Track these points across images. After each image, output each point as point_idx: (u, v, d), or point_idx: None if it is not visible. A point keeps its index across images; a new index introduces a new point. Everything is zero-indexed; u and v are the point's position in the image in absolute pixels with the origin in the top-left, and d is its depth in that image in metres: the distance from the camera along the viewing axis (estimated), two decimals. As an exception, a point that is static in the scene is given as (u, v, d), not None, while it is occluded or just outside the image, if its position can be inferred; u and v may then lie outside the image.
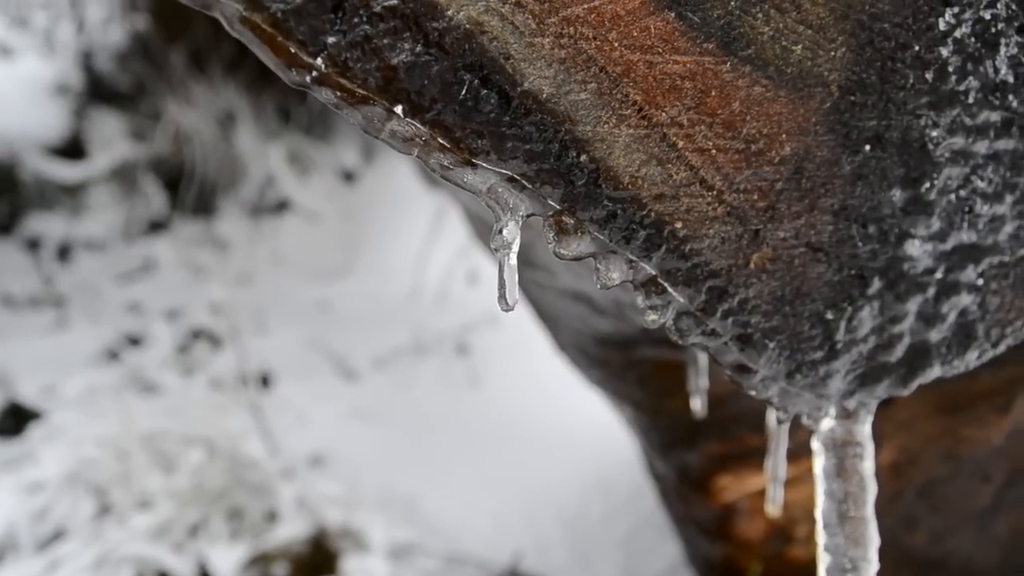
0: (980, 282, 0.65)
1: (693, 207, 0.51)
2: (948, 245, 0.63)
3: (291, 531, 1.79)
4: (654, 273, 0.51)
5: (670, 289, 0.51)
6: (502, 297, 0.45)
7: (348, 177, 3.79)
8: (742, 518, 1.26)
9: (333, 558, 1.78)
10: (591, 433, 2.04)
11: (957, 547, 1.14)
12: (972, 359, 0.67)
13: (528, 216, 0.48)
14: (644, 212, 0.49)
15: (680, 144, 0.49)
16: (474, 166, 0.47)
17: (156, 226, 3.37)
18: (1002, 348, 0.70)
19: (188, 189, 3.45)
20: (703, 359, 0.92)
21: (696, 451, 1.21)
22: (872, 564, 0.63)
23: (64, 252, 3.17)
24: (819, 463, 0.62)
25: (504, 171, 0.47)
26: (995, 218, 0.65)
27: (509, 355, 2.37)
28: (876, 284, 0.59)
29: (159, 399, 2.32)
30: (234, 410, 2.11)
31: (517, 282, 0.46)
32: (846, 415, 0.61)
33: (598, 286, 0.49)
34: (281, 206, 3.62)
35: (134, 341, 2.63)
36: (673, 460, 1.27)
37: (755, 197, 0.52)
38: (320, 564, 1.77)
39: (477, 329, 2.52)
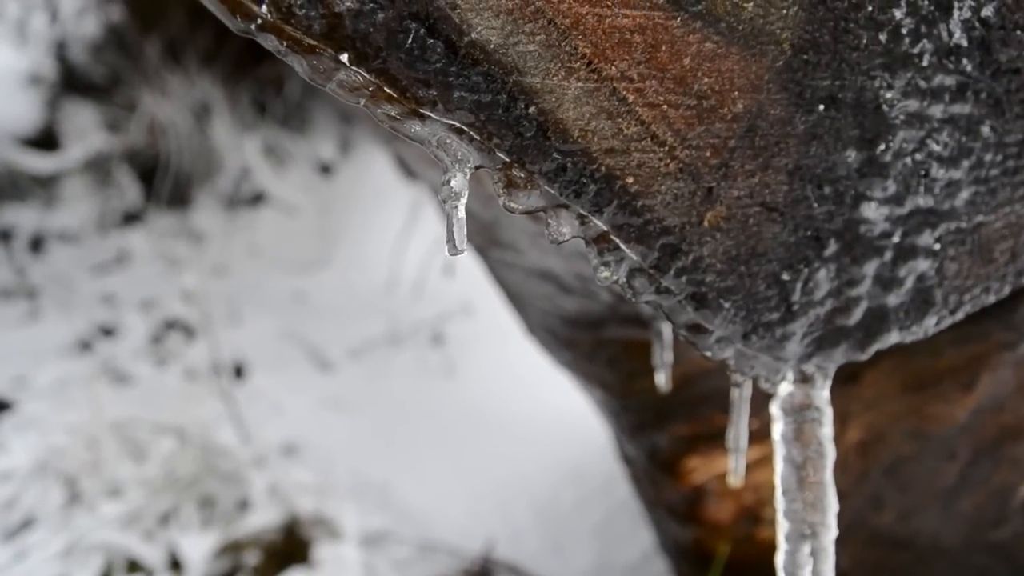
0: (937, 247, 0.65)
1: (644, 162, 0.50)
2: (905, 209, 0.63)
3: (263, 519, 1.77)
4: (606, 229, 0.50)
5: (622, 246, 0.51)
6: (450, 241, 0.45)
7: (325, 170, 3.77)
8: (711, 500, 1.26)
9: (305, 546, 1.77)
10: (565, 422, 2.04)
11: (923, 525, 1.14)
12: (931, 325, 0.67)
13: (477, 168, 0.47)
14: (594, 166, 0.49)
15: (630, 99, 0.49)
16: (422, 117, 0.46)
17: (130, 218, 3.34)
18: (960, 315, 0.70)
19: (163, 181, 3.42)
20: (667, 333, 0.92)
21: (665, 433, 1.21)
22: (831, 529, 0.63)
23: (37, 244, 3.13)
24: (778, 428, 0.62)
25: (452, 122, 0.46)
26: (951, 183, 0.65)
27: (484, 345, 2.37)
28: (832, 246, 0.59)
29: (131, 389, 2.29)
30: (207, 399, 2.09)
31: (465, 232, 0.46)
32: (804, 379, 0.61)
33: (549, 240, 0.49)
34: (257, 198, 3.59)
35: (107, 332, 2.60)
36: (642, 442, 1.27)
37: (708, 154, 0.52)
38: (292, 552, 1.76)
39: (452, 319, 2.52)
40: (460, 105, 0.46)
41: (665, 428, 1.20)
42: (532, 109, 0.47)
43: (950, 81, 0.61)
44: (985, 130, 0.66)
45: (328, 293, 3.01)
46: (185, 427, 1.87)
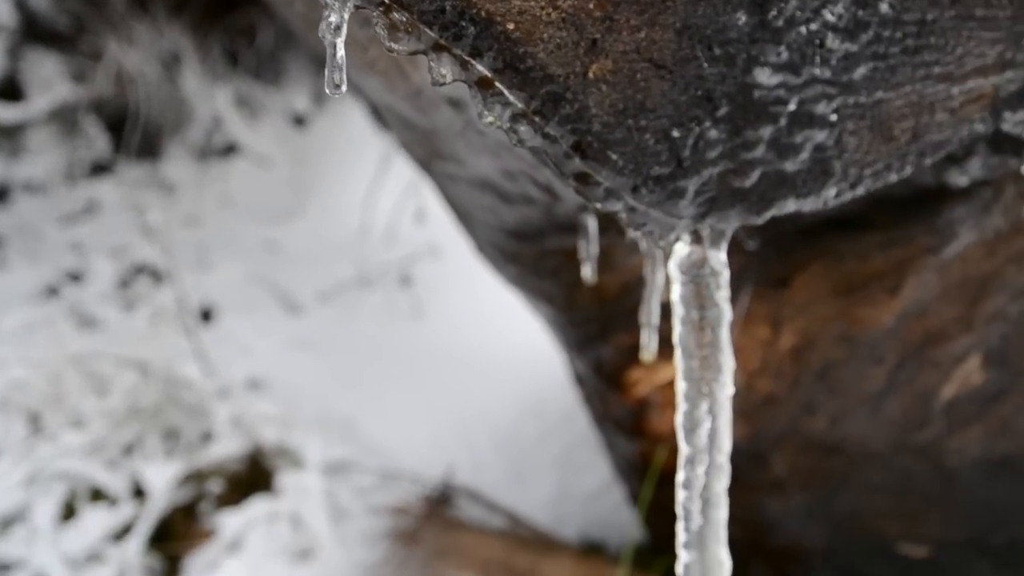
0: (835, 119, 0.67)
1: (525, 10, 0.52)
2: (800, 78, 0.65)
3: (226, 449, 1.80)
4: (488, 74, 0.52)
5: (505, 91, 0.52)
6: (330, 82, 0.46)
7: (299, 122, 3.75)
8: (654, 412, 1.29)
9: (268, 475, 1.80)
10: (528, 358, 2.07)
11: (853, 430, 1.18)
12: (830, 196, 0.69)
13: (356, 8, 0.48)
14: (473, 10, 0.50)
15: (511, -57, 0.50)
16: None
17: (99, 168, 3.32)
18: (861, 189, 0.72)
19: (132, 131, 3.39)
20: (592, 226, 0.94)
21: (608, 344, 1.24)
22: (726, 387, 0.65)
23: (3, 194, 3.11)
24: (676, 289, 0.64)
25: (329, -42, 0.47)
26: (849, 56, 0.67)
27: (452, 286, 2.39)
28: (725, 108, 0.61)
29: (98, 332, 2.30)
30: (172, 338, 2.10)
31: (345, 70, 0.47)
32: (700, 240, 0.63)
33: (431, 83, 0.50)
34: (229, 149, 3.57)
35: (74, 277, 2.60)
36: (589, 356, 1.29)
37: (591, 6, 0.54)
38: (255, 481, 1.79)
39: (421, 262, 2.53)
40: (336, -59, 0.47)
41: (608, 339, 1.23)
42: (409, -53, 0.48)
43: (842, -52, 0.62)
44: (883, 6, 0.68)
45: (300, 241, 3.01)
46: (148, 361, 1.89)
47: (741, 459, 1.25)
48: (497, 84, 0.52)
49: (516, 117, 0.53)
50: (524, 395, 2.03)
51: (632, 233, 0.60)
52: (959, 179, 0.99)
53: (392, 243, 2.84)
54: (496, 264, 1.30)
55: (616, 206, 0.58)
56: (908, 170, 0.74)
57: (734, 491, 1.34)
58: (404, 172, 2.95)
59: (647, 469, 1.37)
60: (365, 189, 3.07)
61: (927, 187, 1.02)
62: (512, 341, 2.13)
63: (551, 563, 1.56)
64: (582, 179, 0.56)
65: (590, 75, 0.55)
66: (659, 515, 1.38)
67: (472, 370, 2.11)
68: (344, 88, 0.47)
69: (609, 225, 1.02)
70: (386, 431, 1.93)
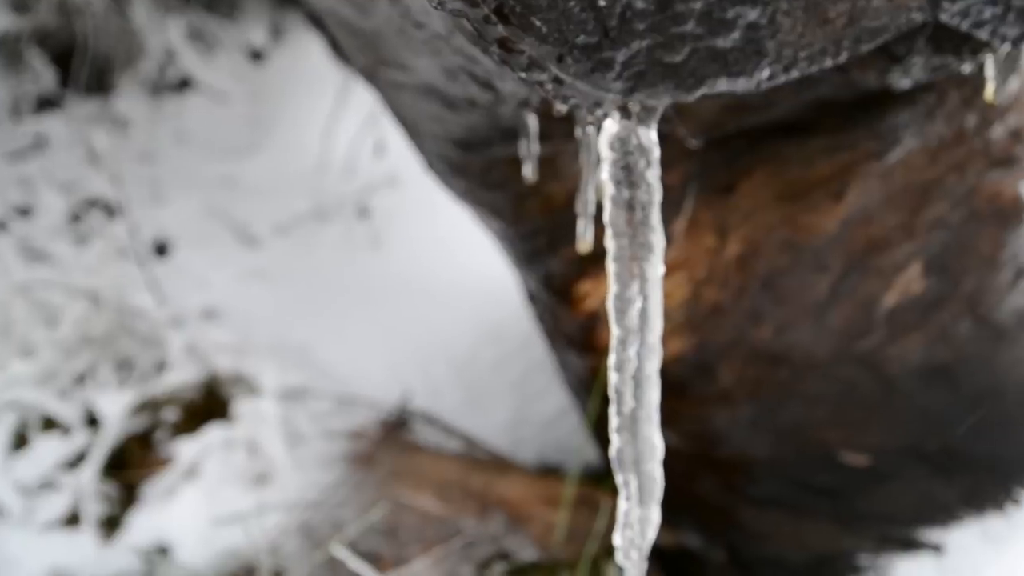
0: (767, -3, 0.66)
1: None
2: (731, -47, 0.63)
3: (181, 378, 1.79)
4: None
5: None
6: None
7: (256, 56, 3.66)
8: (603, 326, 1.30)
9: (224, 403, 1.79)
10: (485, 286, 2.06)
11: (798, 339, 1.20)
12: (763, 77, 0.69)
13: None
14: None
15: None
16: None
17: (47, 103, 3.22)
18: (796, 73, 0.72)
19: (81, 65, 3.28)
20: (533, 123, 0.93)
21: (557, 256, 1.24)
22: (657, 268, 0.65)
23: (-56, 128, 3.01)
24: (606, 168, 0.63)
25: None
26: (782, -69, 0.66)
27: (410, 217, 2.37)
28: (652, -22, 0.60)
29: (49, 266, 2.26)
30: (125, 270, 2.07)
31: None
32: (629, 116, 0.62)
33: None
34: (184, 84, 3.48)
35: (23, 212, 2.54)
36: (537, 270, 1.29)
37: None
38: (211, 408, 1.78)
39: (379, 193, 2.50)
40: None
41: (557, 251, 1.23)
42: None
43: None
44: None
45: (257, 176, 2.96)
46: (99, 291, 1.86)
47: (688, 371, 1.27)
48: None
49: (434, -26, 0.51)
50: (482, 322, 2.03)
51: (559, 106, 0.59)
52: (902, 81, 0.99)
53: (351, 176, 2.80)
54: (445, 179, 1.29)
55: (541, 77, 0.57)
56: (844, 56, 0.74)
57: (682, 404, 1.37)
58: (363, 106, 2.90)
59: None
60: (324, 123, 3.02)
61: (871, 91, 1.02)
62: (471, 269, 2.13)
63: (506, 483, 1.58)
64: (505, 47, 0.55)
65: (510, -66, 0.53)
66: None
67: (430, 297, 2.11)
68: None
69: (553, 130, 1.01)
70: (343, 358, 1.92)
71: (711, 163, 1.06)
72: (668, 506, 1.49)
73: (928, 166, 1.10)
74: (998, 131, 1.14)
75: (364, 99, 2.82)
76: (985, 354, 1.22)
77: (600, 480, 1.60)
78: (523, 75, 0.57)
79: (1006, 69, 0.97)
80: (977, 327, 1.20)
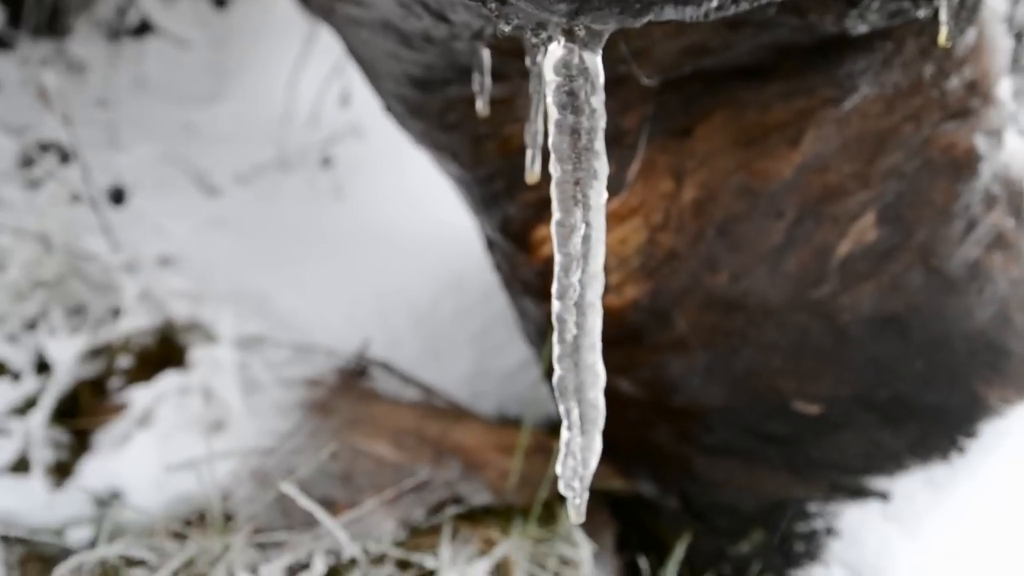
0: (719, -77, 0.65)
1: None
2: None
3: (135, 324, 1.76)
4: None
5: None
6: None
7: (219, 2, 3.56)
8: (561, 272, 1.29)
9: (180, 351, 1.77)
10: (447, 237, 2.05)
11: (753, 286, 1.20)
12: (711, 7, 0.67)
13: None
14: None
15: None
16: None
17: (-2, 44, 3.11)
18: (745, 5, 0.71)
19: (31, 5, 3.17)
20: (486, 57, 0.91)
21: (514, 201, 1.23)
22: (601, 194, 0.64)
23: None
24: (550, 92, 0.62)
25: None
26: None
27: (374, 167, 2.34)
28: None
29: None
30: (78, 214, 2.02)
31: None
32: (573, 39, 0.61)
33: None
34: (143, 29, 3.38)
35: (-27, 155, 2.46)
36: (495, 215, 1.28)
37: None
38: (167, 356, 1.76)
39: (343, 143, 2.46)
40: None
41: (514, 196, 1.21)
42: None
43: None
44: None
45: (219, 124, 2.90)
46: (50, 234, 1.81)
47: (644, 317, 1.27)
48: None
49: None
50: (443, 273, 2.02)
51: (503, 26, 0.57)
52: (859, 26, 0.98)
53: (315, 126, 2.75)
54: (402, 120, 1.26)
55: (484, -8, 0.55)
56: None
57: (637, 352, 1.37)
58: (328, 55, 2.84)
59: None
60: (288, 72, 2.96)
61: (829, 36, 1.01)
62: (434, 220, 2.11)
63: (462, 430, 1.58)
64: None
65: None
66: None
67: (392, 248, 2.09)
68: None
69: (509, 70, 0.99)
70: (302, 307, 1.90)
71: (668, 106, 1.05)
72: (623, 454, 1.51)
73: (884, 115, 1.10)
74: (954, 82, 1.14)
75: (329, 49, 2.77)
76: (935, 305, 1.24)
77: (557, 430, 1.61)
78: (464, -10, 0.55)
79: (960, 16, 0.97)
80: (928, 277, 1.21)
